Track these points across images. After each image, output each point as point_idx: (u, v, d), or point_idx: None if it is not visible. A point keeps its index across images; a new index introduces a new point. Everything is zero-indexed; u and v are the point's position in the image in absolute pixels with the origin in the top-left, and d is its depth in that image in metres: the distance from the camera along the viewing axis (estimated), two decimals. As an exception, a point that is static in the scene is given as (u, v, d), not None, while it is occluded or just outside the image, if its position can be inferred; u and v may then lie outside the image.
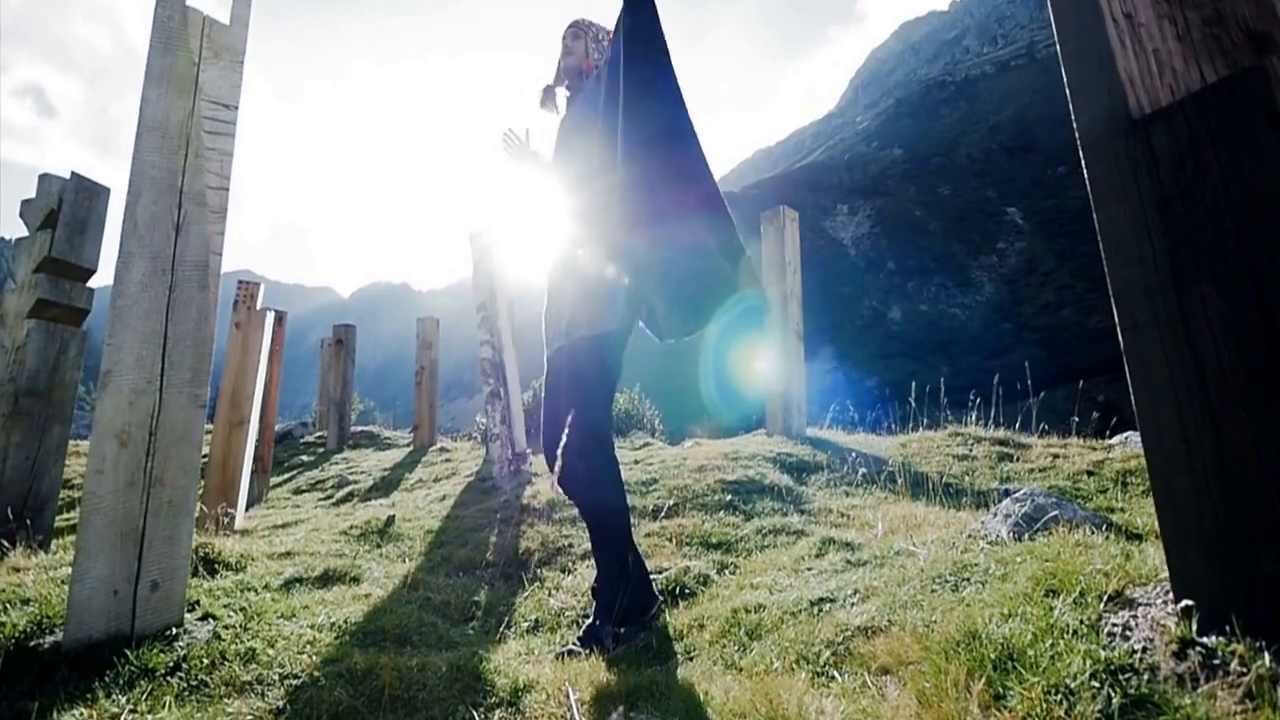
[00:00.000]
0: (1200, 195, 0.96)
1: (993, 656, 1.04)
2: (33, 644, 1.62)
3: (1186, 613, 0.93)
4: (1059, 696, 0.91)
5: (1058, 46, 1.11)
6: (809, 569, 2.17)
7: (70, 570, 2.15)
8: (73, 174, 3.41)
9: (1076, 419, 4.37)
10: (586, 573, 2.68)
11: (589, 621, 1.96)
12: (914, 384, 5.12)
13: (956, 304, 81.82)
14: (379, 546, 3.36)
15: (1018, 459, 3.94)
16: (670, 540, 2.93)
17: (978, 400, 4.62)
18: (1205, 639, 0.91)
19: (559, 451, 2.00)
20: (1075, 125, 1.09)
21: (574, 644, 1.89)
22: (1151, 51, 1.00)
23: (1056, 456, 3.88)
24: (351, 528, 3.59)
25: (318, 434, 9.49)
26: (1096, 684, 0.90)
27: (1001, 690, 0.98)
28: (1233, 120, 0.93)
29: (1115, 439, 4.23)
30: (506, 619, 2.39)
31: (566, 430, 1.99)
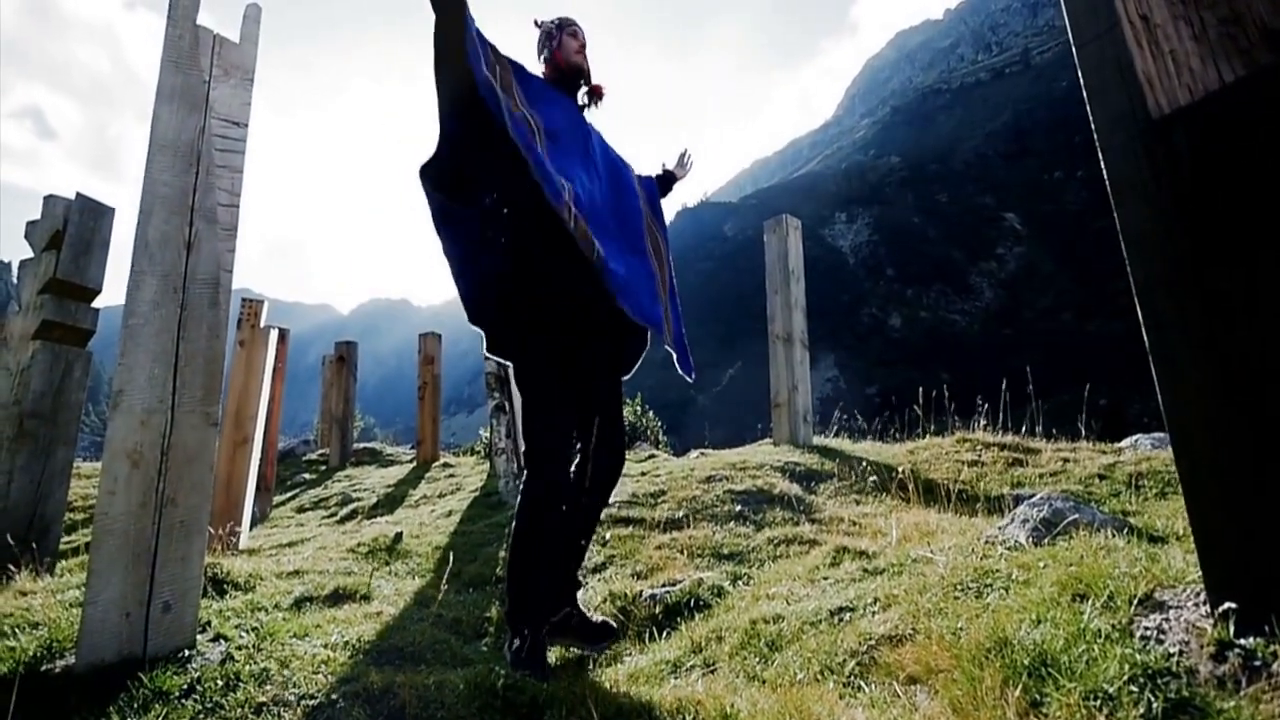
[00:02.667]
0: (1222, 193, 0.95)
1: (1026, 663, 1.02)
2: (44, 668, 1.60)
3: (1224, 615, 0.91)
4: (1098, 702, 0.90)
5: (1074, 49, 1.12)
6: (825, 578, 2.15)
7: (78, 593, 2.13)
8: (77, 195, 3.42)
9: (1088, 421, 4.35)
10: (598, 586, 2.66)
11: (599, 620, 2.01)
12: (917, 391, 5.11)
13: (956, 310, 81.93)
14: (387, 564, 3.34)
15: (1028, 464, 3.92)
16: (681, 552, 2.90)
17: (985, 406, 4.60)
18: (1243, 641, 0.90)
19: (619, 450, 2.05)
20: (1093, 126, 1.09)
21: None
22: (1169, 52, 1.01)
23: (1067, 461, 3.86)
24: (359, 545, 3.57)
25: (320, 451, 9.47)
26: (1135, 688, 0.89)
27: (1038, 697, 0.96)
28: (1253, 119, 0.93)
29: (1125, 442, 4.21)
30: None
31: (617, 428, 2.05)
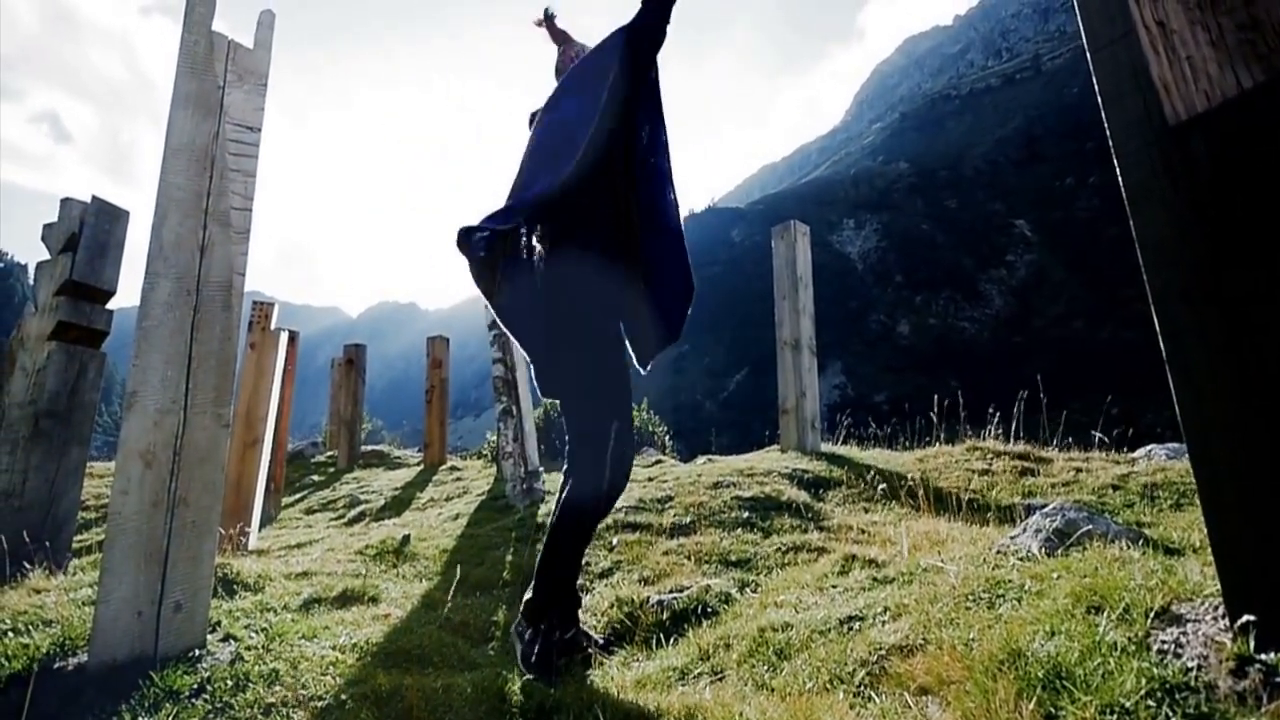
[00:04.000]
0: (1241, 199, 0.94)
1: (1040, 675, 1.01)
2: (57, 666, 1.62)
3: (1244, 629, 0.90)
4: (1114, 716, 0.88)
5: (1088, 55, 1.11)
6: (834, 587, 2.13)
7: (90, 592, 2.15)
8: (93, 198, 3.46)
9: (1098, 433, 4.31)
10: (605, 591, 2.65)
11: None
12: (926, 398, 5.08)
13: (966, 317, 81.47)
14: (395, 566, 3.34)
15: (1039, 473, 3.88)
16: (689, 558, 2.89)
17: (996, 414, 4.56)
18: (1264, 655, 0.88)
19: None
20: (1108, 132, 1.09)
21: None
22: (1185, 58, 1.00)
23: (1079, 470, 3.82)
24: (367, 547, 3.58)
25: (328, 453, 9.52)
26: (1153, 703, 0.88)
27: (1053, 710, 0.95)
28: (1272, 124, 0.93)
29: (1139, 452, 4.16)
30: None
31: None
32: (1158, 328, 1.03)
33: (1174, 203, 1.01)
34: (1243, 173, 0.95)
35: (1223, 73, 0.99)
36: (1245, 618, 0.89)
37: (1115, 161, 1.08)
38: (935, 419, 4.71)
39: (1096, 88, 1.12)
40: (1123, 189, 1.07)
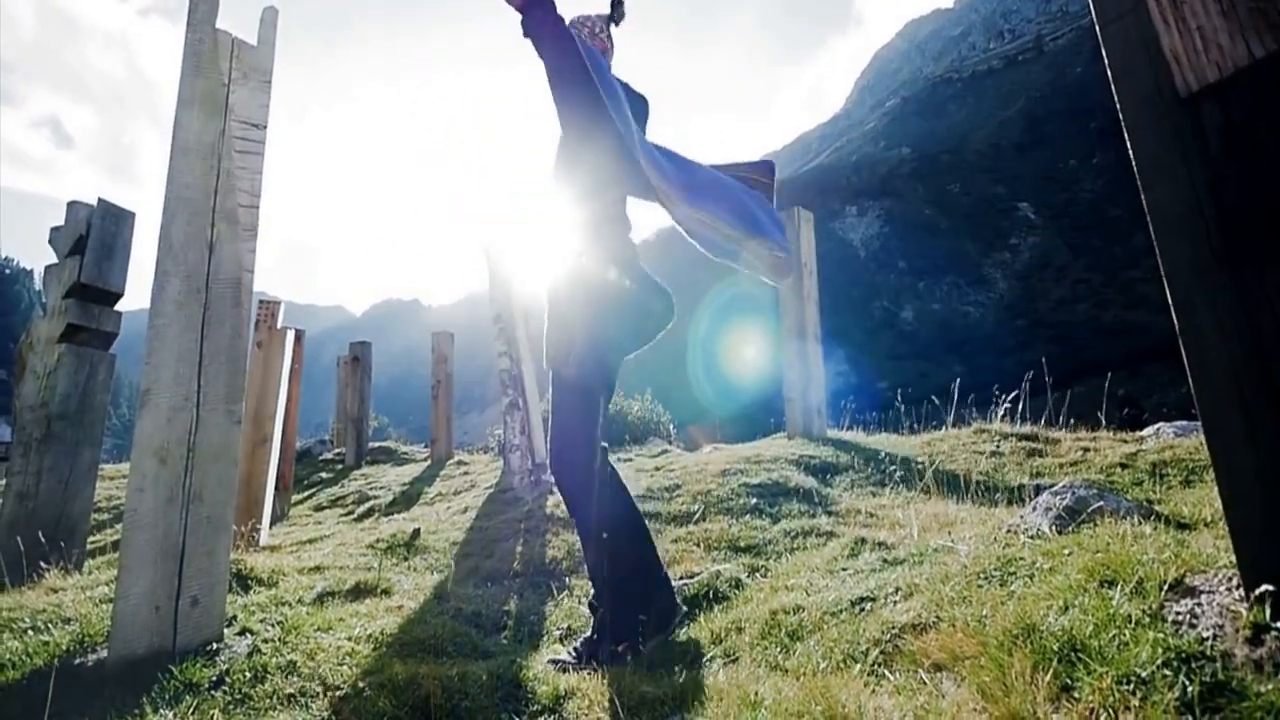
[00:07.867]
0: (1254, 170, 0.94)
1: (1055, 648, 1.02)
2: (77, 662, 1.64)
3: (1260, 598, 0.90)
4: (1131, 686, 0.89)
5: (1097, 29, 1.10)
6: (844, 569, 2.14)
7: (107, 590, 2.17)
8: (99, 200, 3.47)
9: (1107, 412, 4.29)
10: (616, 580, 2.67)
11: (588, 635, 1.94)
12: (930, 384, 5.07)
13: (970, 302, 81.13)
14: (406, 559, 3.37)
15: (1047, 454, 3.88)
16: (698, 545, 2.91)
17: (1003, 396, 4.55)
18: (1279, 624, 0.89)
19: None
20: (1119, 106, 1.08)
21: (568, 654, 1.86)
22: (1196, 29, 0.99)
23: (1087, 450, 3.81)
24: (378, 541, 3.60)
25: (336, 451, 9.56)
26: (1169, 672, 0.88)
27: (1069, 682, 0.95)
28: (1284, 93, 0.92)
29: (1147, 430, 4.15)
30: (539, 628, 2.39)
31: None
32: (1170, 301, 1.03)
33: (1186, 175, 1.00)
34: (1255, 143, 0.95)
35: (1234, 43, 0.98)
36: (1262, 588, 0.90)
37: (1126, 135, 1.07)
38: (941, 403, 4.71)
39: (1106, 62, 1.11)
40: (1134, 163, 1.07)
